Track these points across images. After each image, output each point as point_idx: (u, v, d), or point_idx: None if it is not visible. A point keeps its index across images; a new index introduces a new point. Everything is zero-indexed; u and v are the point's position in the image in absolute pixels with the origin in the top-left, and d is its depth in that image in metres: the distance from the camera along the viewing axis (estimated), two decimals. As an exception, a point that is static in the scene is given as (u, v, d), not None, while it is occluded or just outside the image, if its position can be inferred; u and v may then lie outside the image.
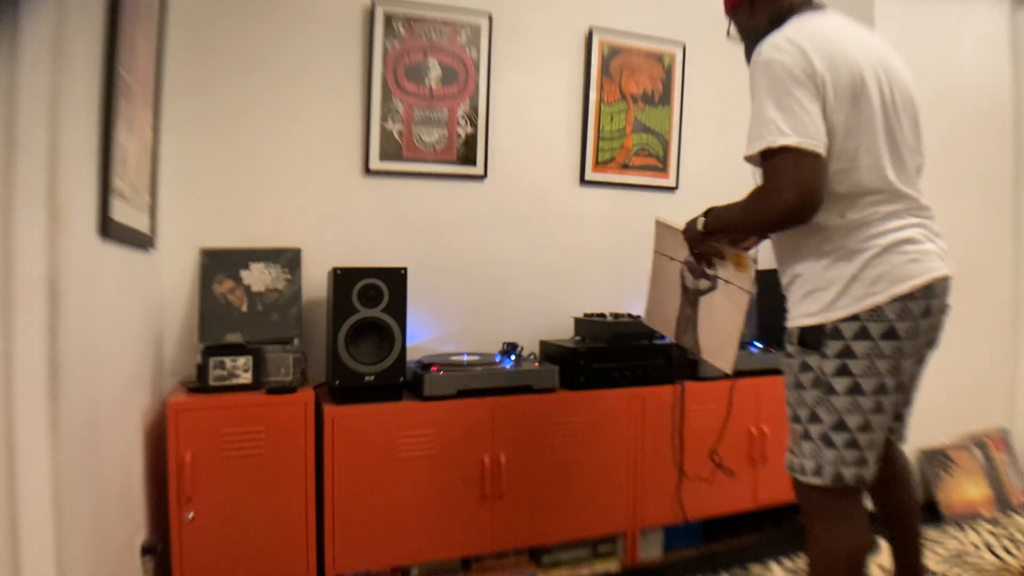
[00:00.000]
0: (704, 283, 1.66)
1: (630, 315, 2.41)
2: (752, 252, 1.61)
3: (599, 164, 2.63)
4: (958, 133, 2.73)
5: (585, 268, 2.63)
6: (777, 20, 1.42)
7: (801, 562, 2.19)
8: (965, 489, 2.58)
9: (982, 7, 2.80)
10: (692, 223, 1.58)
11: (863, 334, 1.29)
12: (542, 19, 2.54)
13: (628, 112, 2.66)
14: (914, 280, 1.29)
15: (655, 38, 2.68)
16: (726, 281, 1.59)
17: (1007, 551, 2.25)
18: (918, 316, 1.31)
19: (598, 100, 2.60)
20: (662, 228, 1.82)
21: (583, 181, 2.62)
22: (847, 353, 1.30)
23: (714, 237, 1.54)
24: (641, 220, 2.72)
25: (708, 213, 1.53)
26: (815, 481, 1.35)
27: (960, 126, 2.74)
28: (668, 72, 2.71)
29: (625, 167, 2.67)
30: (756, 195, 1.33)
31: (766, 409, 2.33)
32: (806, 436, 1.37)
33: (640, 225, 2.71)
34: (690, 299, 1.72)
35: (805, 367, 1.36)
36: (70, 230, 1.20)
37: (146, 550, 1.68)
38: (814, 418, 1.35)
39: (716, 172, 2.82)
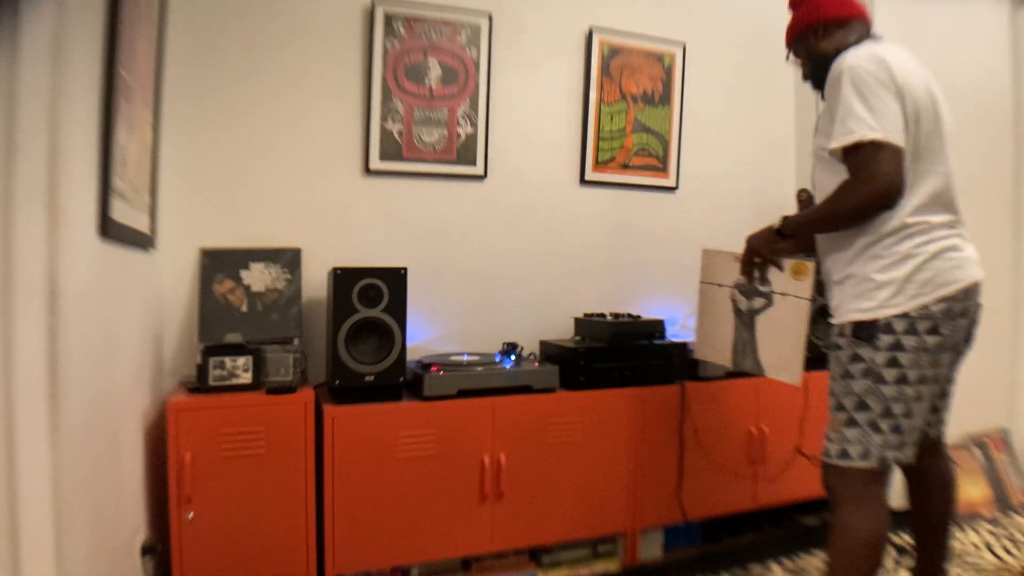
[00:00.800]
0: (759, 301, 1.73)
1: (630, 315, 2.40)
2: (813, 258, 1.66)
3: (599, 164, 2.63)
4: (958, 133, 2.73)
5: (585, 268, 2.63)
6: (844, 46, 1.56)
7: (801, 562, 2.19)
8: (965, 489, 2.58)
9: (982, 7, 2.80)
10: (762, 230, 1.67)
11: (912, 330, 1.43)
12: (542, 19, 2.53)
13: (628, 112, 2.65)
14: (957, 284, 1.45)
15: (655, 38, 2.68)
16: (782, 294, 1.68)
17: (1007, 551, 2.25)
18: (958, 315, 1.47)
19: (598, 100, 2.60)
20: (710, 256, 1.89)
21: (583, 181, 2.61)
22: (897, 346, 1.43)
23: (788, 241, 1.62)
24: (641, 220, 2.72)
25: (784, 218, 1.61)
26: (862, 464, 1.46)
27: (960, 126, 2.72)
28: (668, 72, 2.71)
29: (625, 167, 2.67)
30: (845, 187, 1.44)
31: (766, 409, 2.33)
32: (851, 423, 1.48)
33: (640, 225, 2.72)
34: (745, 321, 1.77)
35: (856, 358, 1.47)
36: (70, 230, 1.20)
37: (146, 550, 1.68)
38: (862, 406, 1.47)
39: (716, 172, 2.83)
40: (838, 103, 1.45)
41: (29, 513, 1.11)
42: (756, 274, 1.72)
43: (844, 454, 1.48)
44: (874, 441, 1.45)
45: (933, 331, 1.43)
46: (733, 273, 1.79)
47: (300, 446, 1.82)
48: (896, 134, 1.38)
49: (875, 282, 1.45)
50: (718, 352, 1.89)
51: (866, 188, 1.39)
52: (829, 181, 1.52)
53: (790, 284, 1.66)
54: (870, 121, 1.38)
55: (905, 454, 1.48)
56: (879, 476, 1.47)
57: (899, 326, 1.42)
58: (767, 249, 1.66)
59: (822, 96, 1.60)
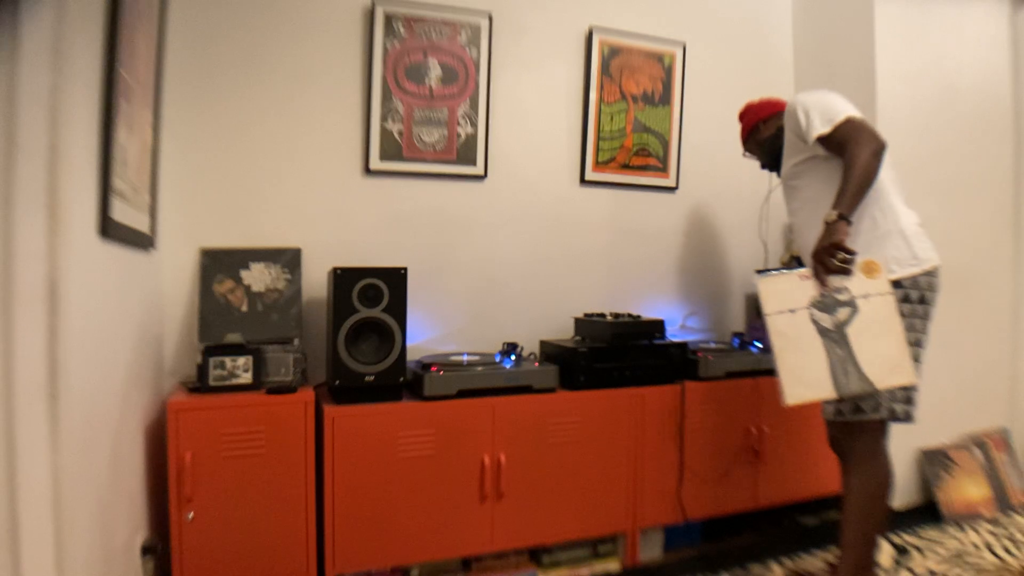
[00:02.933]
0: (844, 312, 1.67)
1: (630, 315, 2.40)
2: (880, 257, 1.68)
3: (599, 164, 2.63)
4: (958, 133, 2.73)
5: (585, 268, 2.63)
6: (780, 127, 1.96)
7: (801, 562, 2.19)
8: (965, 489, 2.58)
9: (982, 7, 2.80)
10: (825, 231, 1.66)
11: (906, 299, 1.69)
12: (542, 19, 2.54)
13: (628, 112, 2.65)
14: (934, 261, 1.73)
15: (655, 38, 2.68)
16: (864, 296, 1.65)
17: (1007, 551, 2.25)
18: (937, 290, 1.74)
19: (598, 100, 2.60)
20: (769, 283, 1.73)
21: (583, 181, 2.61)
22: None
23: (847, 222, 1.66)
24: (641, 220, 2.72)
25: (834, 208, 1.67)
26: (873, 416, 1.71)
27: (960, 126, 2.73)
28: (668, 72, 2.71)
29: (625, 167, 2.67)
30: (854, 147, 1.66)
31: (766, 409, 2.33)
32: None
33: (640, 225, 2.72)
34: (835, 338, 1.67)
35: None
36: (70, 230, 1.20)
37: (146, 550, 1.68)
38: None
39: (716, 172, 2.83)
40: (799, 118, 1.77)
41: (29, 513, 1.11)
42: (834, 283, 1.67)
43: (857, 410, 1.71)
44: (883, 396, 1.69)
45: (923, 301, 1.71)
46: (804, 292, 1.69)
47: (300, 446, 1.82)
48: (858, 113, 1.73)
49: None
50: (815, 385, 1.67)
51: (866, 148, 1.64)
52: (808, 186, 1.82)
53: (866, 285, 1.65)
54: (840, 108, 1.73)
55: (909, 410, 1.71)
56: (883, 427, 1.75)
57: (896, 293, 1.65)
58: (844, 236, 1.63)
59: (777, 172, 2.01)
